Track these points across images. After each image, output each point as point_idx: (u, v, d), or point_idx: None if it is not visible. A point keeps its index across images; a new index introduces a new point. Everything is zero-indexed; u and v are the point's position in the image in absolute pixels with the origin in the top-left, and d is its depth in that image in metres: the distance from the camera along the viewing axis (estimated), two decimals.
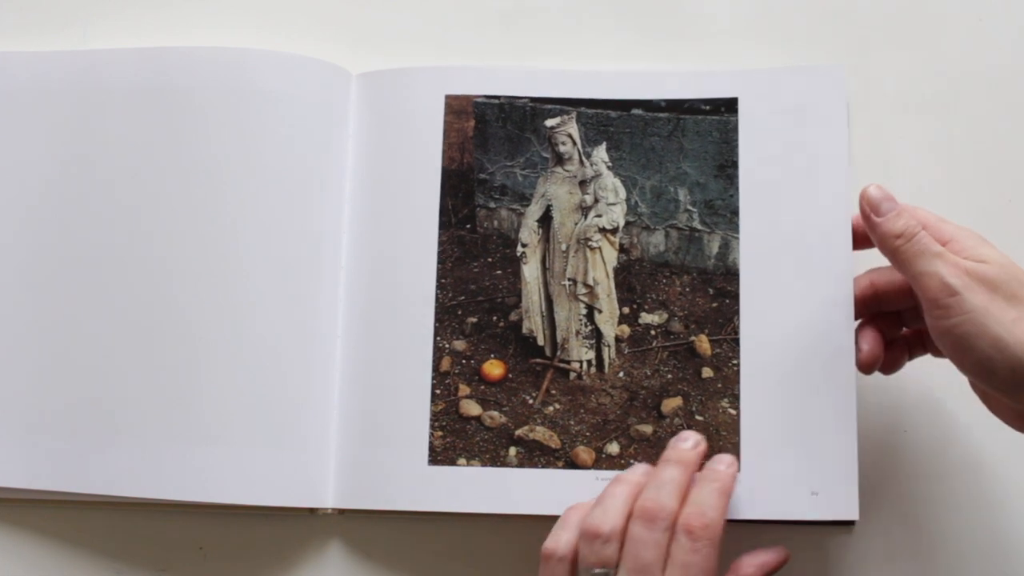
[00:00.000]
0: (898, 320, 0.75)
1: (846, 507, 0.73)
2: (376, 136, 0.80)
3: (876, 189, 0.70)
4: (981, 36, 0.84)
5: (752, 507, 0.74)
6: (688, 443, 0.70)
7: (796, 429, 0.74)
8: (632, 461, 0.75)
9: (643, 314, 0.78)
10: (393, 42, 0.84)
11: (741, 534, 0.76)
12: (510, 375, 0.78)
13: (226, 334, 0.76)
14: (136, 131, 0.78)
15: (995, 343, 0.64)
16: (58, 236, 0.78)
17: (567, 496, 0.74)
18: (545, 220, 0.80)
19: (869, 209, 0.70)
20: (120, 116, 0.79)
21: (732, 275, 0.77)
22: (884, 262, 0.71)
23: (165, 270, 0.77)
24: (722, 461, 0.70)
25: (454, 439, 0.76)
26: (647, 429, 0.76)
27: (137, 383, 0.76)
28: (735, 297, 0.77)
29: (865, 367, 0.73)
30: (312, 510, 0.76)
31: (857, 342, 0.74)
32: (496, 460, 0.76)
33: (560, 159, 0.80)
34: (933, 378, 0.78)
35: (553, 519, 0.73)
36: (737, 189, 0.78)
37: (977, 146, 0.82)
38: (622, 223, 0.79)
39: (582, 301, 0.78)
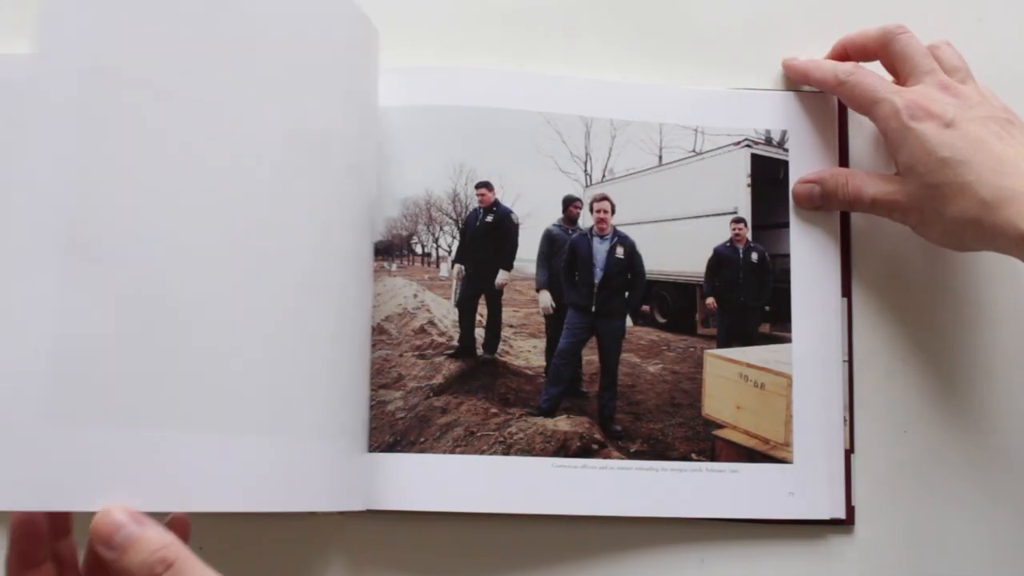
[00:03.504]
0: None
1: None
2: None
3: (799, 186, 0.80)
4: (981, 36, 0.84)
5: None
6: None
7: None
8: None
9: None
10: (393, 42, 0.83)
11: (744, 532, 0.77)
12: None
13: (228, 334, 0.73)
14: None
15: (939, 242, 0.74)
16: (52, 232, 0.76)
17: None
18: None
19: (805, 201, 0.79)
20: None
21: None
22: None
23: (160, 270, 0.74)
24: None
25: None
26: None
27: (137, 384, 0.74)
28: None
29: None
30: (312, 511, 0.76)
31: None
32: None
33: None
34: (933, 378, 0.79)
35: (546, 518, 0.74)
36: None
37: None
38: None
39: None
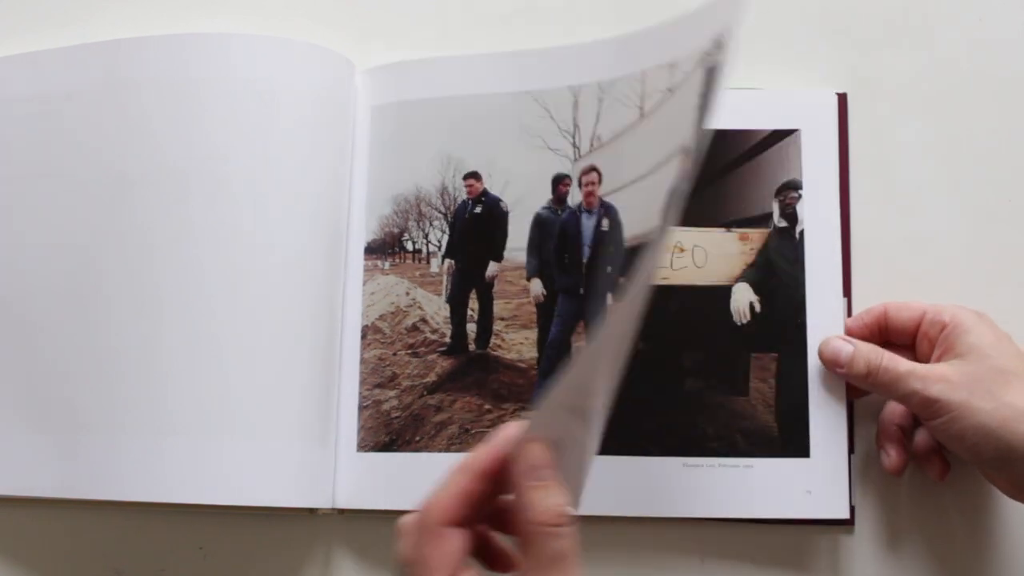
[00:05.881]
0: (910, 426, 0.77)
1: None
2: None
3: (826, 346, 0.75)
4: (981, 36, 0.84)
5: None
6: None
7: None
8: None
9: None
10: (395, 39, 0.84)
11: (744, 532, 0.76)
12: None
13: (230, 333, 0.74)
14: (109, 125, 0.78)
15: (980, 431, 0.69)
16: (42, 234, 0.78)
17: None
18: None
19: (832, 365, 0.75)
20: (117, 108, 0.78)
21: None
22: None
23: (153, 271, 0.76)
24: None
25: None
26: None
27: (137, 383, 0.74)
28: None
29: (895, 472, 0.75)
30: (312, 510, 0.76)
31: (884, 450, 0.76)
32: None
33: None
34: None
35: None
36: None
37: (977, 146, 0.82)
38: None
39: None
